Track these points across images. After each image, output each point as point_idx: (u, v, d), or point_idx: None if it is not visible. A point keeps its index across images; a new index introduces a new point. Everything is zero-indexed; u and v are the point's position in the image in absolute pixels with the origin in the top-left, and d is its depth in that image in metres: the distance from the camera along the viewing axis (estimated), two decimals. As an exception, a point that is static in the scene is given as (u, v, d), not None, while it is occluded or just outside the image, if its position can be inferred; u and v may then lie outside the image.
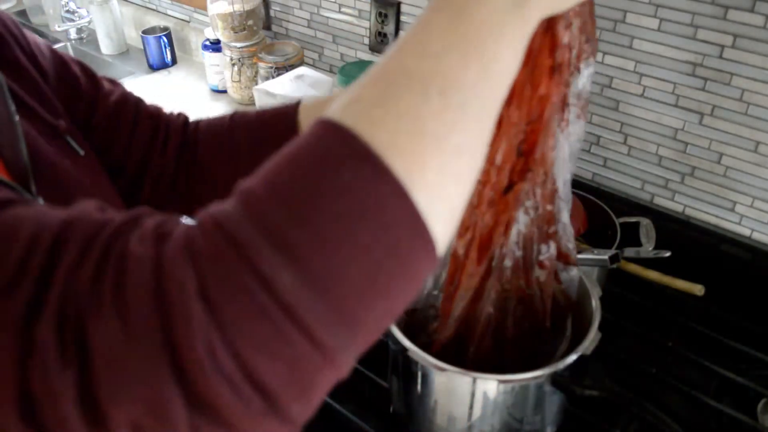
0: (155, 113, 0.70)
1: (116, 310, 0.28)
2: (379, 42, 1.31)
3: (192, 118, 0.73)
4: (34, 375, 0.29)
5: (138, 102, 0.70)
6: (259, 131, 0.68)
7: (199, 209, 0.77)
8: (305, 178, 0.30)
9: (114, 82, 0.70)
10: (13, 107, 0.52)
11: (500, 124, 0.50)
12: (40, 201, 0.51)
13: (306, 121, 0.66)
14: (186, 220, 0.33)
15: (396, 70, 0.33)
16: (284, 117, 0.67)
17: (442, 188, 0.32)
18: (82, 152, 0.59)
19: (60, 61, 0.64)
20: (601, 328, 0.68)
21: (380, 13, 1.28)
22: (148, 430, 0.29)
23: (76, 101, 0.64)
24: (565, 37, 0.47)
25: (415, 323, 0.72)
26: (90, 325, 0.29)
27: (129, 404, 0.28)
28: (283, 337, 0.28)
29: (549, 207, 0.56)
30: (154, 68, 1.66)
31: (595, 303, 0.71)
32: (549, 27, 0.47)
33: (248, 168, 0.70)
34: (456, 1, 0.35)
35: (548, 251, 0.60)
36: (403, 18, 1.26)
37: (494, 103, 0.35)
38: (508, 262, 0.59)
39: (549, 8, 0.39)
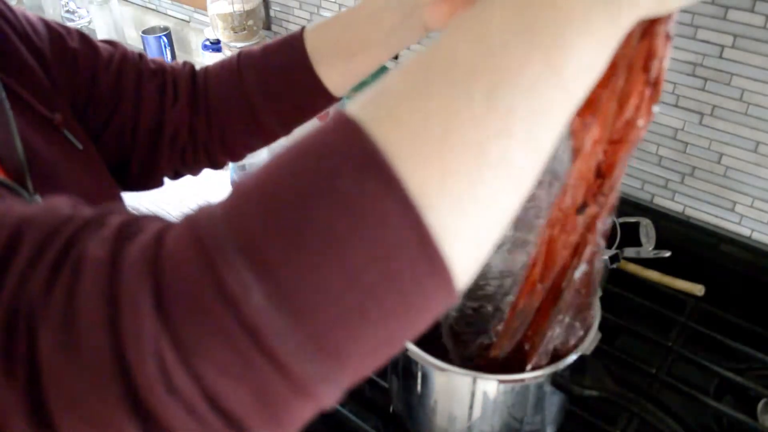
0: (159, 68, 0.69)
1: (65, 322, 0.26)
2: (379, 42, 1.31)
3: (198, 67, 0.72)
4: None
5: (140, 59, 0.68)
6: (267, 67, 0.66)
7: (222, 159, 0.73)
8: (299, 181, 0.26)
9: (114, 44, 0.68)
10: (7, 104, 0.51)
11: (578, 138, 0.44)
12: (38, 198, 0.50)
13: (312, 46, 0.63)
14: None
15: (440, 56, 0.28)
16: (290, 46, 0.65)
17: (468, 208, 0.26)
18: (80, 146, 0.58)
19: (56, 35, 0.62)
20: (601, 328, 0.68)
21: (380, 13, 1.28)
22: None
23: (76, 76, 0.63)
24: (662, 47, 0.40)
25: (458, 336, 0.71)
26: (39, 336, 0.26)
27: (79, 424, 0.26)
28: (249, 363, 0.25)
29: (609, 220, 0.51)
30: (154, 68, 1.66)
31: (595, 303, 0.71)
32: (646, 33, 0.39)
33: (263, 105, 0.69)
34: None
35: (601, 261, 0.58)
36: (403, 18, 1.26)
37: (556, 114, 0.28)
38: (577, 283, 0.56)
39: (649, 8, 0.32)
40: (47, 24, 0.63)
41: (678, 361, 0.86)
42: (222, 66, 0.69)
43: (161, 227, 0.28)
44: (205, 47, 1.51)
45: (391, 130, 0.26)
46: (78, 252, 0.27)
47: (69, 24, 1.81)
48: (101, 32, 1.73)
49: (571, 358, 0.64)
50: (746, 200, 0.97)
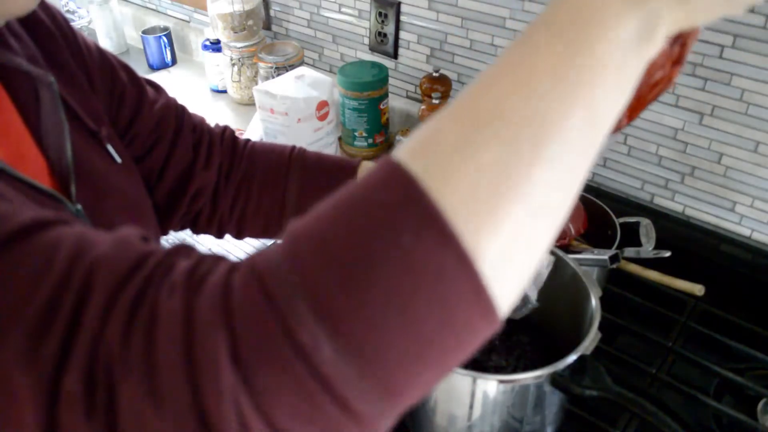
0: (198, 124, 0.70)
1: (145, 374, 0.27)
2: (379, 42, 1.31)
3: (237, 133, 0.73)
4: (61, 424, 0.28)
5: (182, 111, 0.70)
6: (315, 177, 0.69)
7: (228, 231, 0.74)
8: (360, 236, 0.27)
9: (158, 88, 0.69)
10: (63, 112, 0.52)
11: None
12: (79, 207, 0.51)
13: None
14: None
15: (488, 107, 0.29)
16: (343, 169, 0.68)
17: (513, 256, 0.28)
18: (119, 160, 0.59)
19: (108, 65, 0.64)
20: (601, 328, 0.68)
21: (380, 13, 1.28)
22: None
23: (120, 107, 0.64)
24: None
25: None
26: (118, 383, 0.28)
27: None
28: (319, 408, 0.27)
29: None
30: (154, 68, 1.66)
31: (595, 303, 0.71)
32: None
33: (294, 206, 0.73)
34: (574, 25, 0.30)
35: None
36: (403, 18, 1.26)
37: (591, 151, 0.30)
38: None
39: (673, 30, 0.33)
40: (102, 52, 0.64)
41: (678, 361, 0.86)
42: (272, 151, 0.71)
43: (226, 272, 0.29)
44: (205, 47, 1.51)
45: (445, 184, 0.27)
46: (151, 300, 0.29)
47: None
48: (101, 32, 1.73)
49: (571, 358, 0.64)
50: (746, 200, 0.97)
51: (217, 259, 0.31)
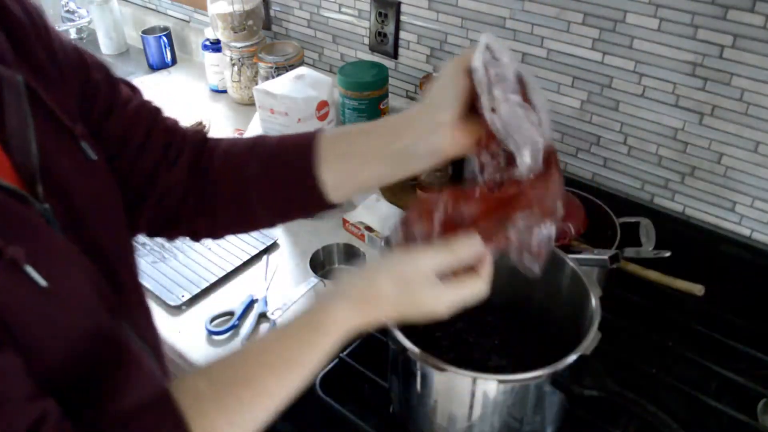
0: (172, 127, 0.69)
1: None
2: (379, 42, 1.31)
3: (213, 134, 0.72)
4: None
5: (155, 113, 0.69)
6: (276, 156, 0.67)
7: (201, 232, 0.75)
8: None
9: (134, 88, 0.69)
10: (29, 110, 0.52)
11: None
12: (47, 206, 0.51)
13: (325, 147, 0.65)
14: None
15: (241, 379, 0.54)
16: (303, 141, 0.67)
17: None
18: (94, 157, 0.59)
19: (82, 62, 0.63)
20: (601, 328, 0.68)
21: (380, 13, 1.28)
22: None
23: (92, 106, 0.63)
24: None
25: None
26: None
27: None
28: None
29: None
30: (154, 68, 1.66)
31: (595, 303, 0.71)
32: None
33: (258, 192, 0.73)
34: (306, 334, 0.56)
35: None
36: (403, 18, 1.26)
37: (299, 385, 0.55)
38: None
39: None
40: (76, 49, 0.63)
41: (678, 361, 0.86)
42: (235, 144, 0.70)
43: None
44: (205, 47, 1.51)
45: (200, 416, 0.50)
46: None
47: (69, 24, 1.81)
48: (101, 32, 1.73)
49: (571, 358, 0.64)
50: (746, 200, 0.97)
51: None
